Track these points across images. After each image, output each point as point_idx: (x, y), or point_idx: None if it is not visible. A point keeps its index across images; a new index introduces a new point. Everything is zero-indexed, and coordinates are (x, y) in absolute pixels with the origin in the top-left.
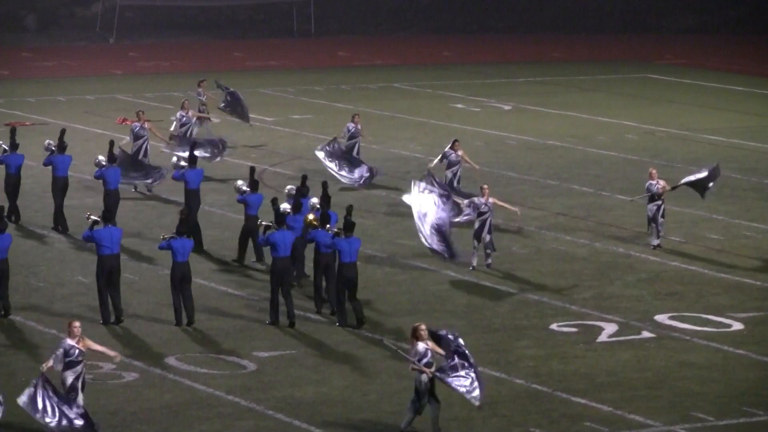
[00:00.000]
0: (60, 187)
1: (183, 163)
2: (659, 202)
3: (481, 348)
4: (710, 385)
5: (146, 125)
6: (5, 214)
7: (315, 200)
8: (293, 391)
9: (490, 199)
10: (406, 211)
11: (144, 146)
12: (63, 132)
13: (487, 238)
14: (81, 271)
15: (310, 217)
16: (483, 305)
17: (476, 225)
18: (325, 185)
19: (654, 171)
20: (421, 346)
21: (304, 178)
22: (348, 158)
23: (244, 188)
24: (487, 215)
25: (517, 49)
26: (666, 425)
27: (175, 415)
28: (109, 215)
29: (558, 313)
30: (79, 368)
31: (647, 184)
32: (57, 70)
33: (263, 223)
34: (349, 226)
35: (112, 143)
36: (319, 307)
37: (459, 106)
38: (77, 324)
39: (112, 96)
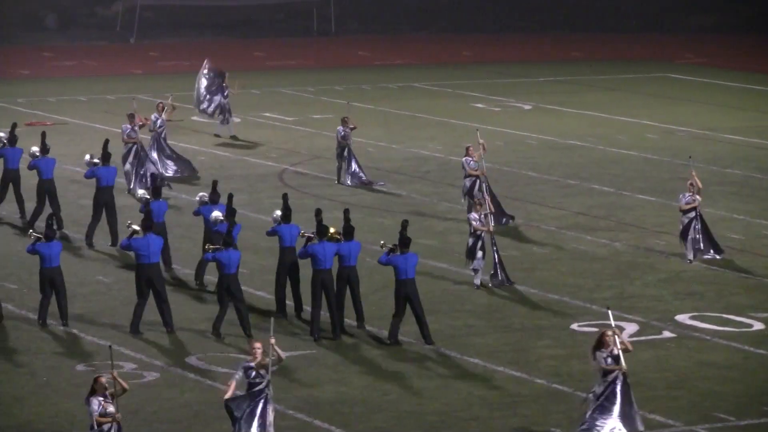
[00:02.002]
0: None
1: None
2: (691, 215)
3: (501, 348)
4: (731, 385)
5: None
6: (52, 222)
7: (218, 214)
8: (313, 390)
9: (482, 214)
10: (426, 211)
11: (134, 147)
12: (107, 142)
13: (479, 254)
14: (101, 270)
15: (332, 230)
16: (503, 305)
17: (469, 242)
18: (285, 197)
19: (691, 182)
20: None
21: (215, 184)
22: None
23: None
24: (481, 232)
25: (538, 48)
26: (686, 425)
27: (196, 415)
28: (148, 224)
29: (578, 312)
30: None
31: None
32: (77, 69)
33: (305, 234)
34: (405, 242)
35: (107, 142)
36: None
37: (479, 105)
38: (258, 345)
39: (133, 96)
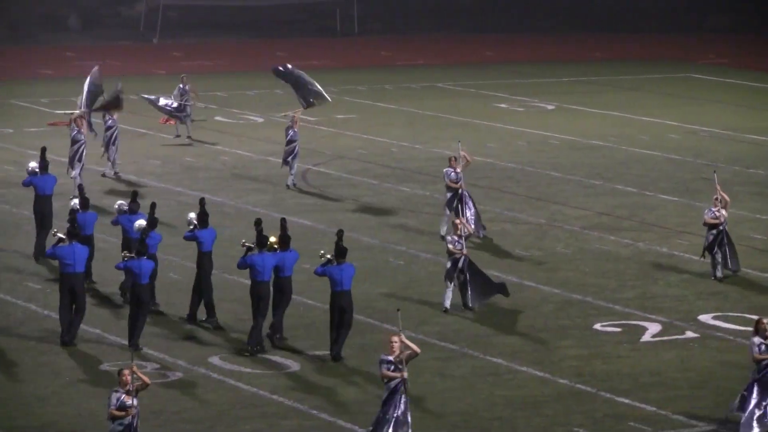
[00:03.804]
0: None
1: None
2: (715, 231)
3: (525, 348)
4: None
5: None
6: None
7: (142, 222)
8: (336, 390)
9: (463, 236)
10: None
11: (114, 135)
12: (44, 150)
13: (455, 277)
14: None
15: (272, 239)
16: (526, 305)
17: (448, 264)
18: (202, 202)
19: (717, 196)
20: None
21: (135, 194)
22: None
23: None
24: (459, 254)
25: (560, 48)
26: (709, 425)
27: (219, 415)
28: (74, 232)
29: (601, 312)
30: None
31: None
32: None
33: (245, 243)
34: (341, 253)
35: (44, 150)
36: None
37: (502, 105)
38: (395, 339)
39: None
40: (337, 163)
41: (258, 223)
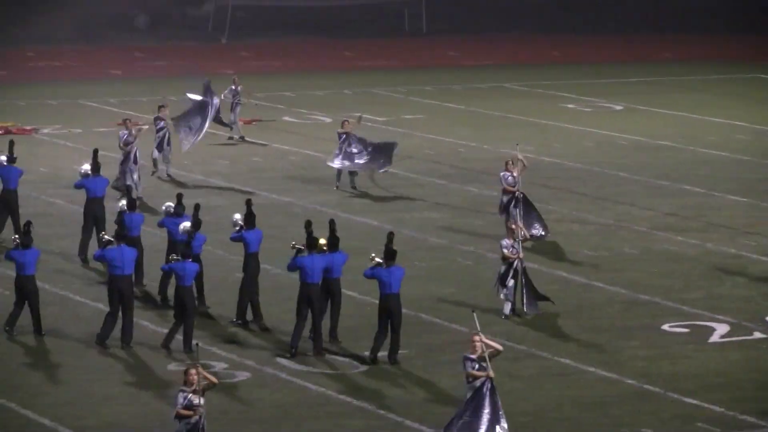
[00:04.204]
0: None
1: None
2: None
3: (592, 348)
4: None
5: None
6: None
7: (187, 224)
8: (404, 390)
9: (519, 241)
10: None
11: (167, 136)
12: (180, 196)
13: (510, 283)
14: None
15: (322, 241)
16: (593, 305)
17: (502, 269)
18: (248, 203)
19: None
20: None
21: (180, 196)
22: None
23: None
24: (513, 259)
25: (628, 48)
26: None
27: (286, 415)
28: (122, 234)
29: (669, 313)
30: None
31: None
32: (168, 69)
33: (295, 245)
34: (390, 255)
35: (96, 151)
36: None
37: (570, 106)
38: (477, 338)
39: (250, 93)
40: (404, 164)
41: (308, 224)
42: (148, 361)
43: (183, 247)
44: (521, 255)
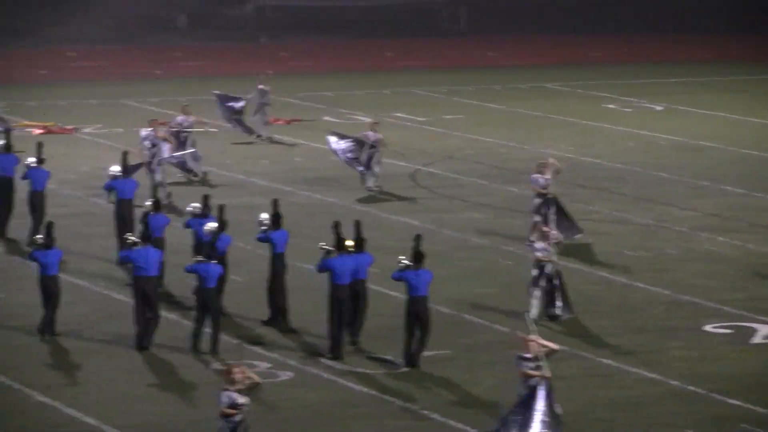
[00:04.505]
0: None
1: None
2: None
3: (634, 349)
4: None
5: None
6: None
7: (212, 224)
8: (448, 390)
9: (551, 244)
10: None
11: (162, 151)
12: (207, 197)
13: (542, 284)
14: (235, 270)
15: (349, 242)
16: (636, 306)
17: (534, 272)
18: (275, 203)
19: None
20: None
21: (206, 198)
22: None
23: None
24: (545, 262)
25: (668, 49)
26: None
27: (329, 414)
28: (147, 235)
29: (710, 314)
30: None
31: None
32: (208, 69)
33: (324, 246)
34: (418, 258)
35: (125, 153)
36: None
37: (610, 106)
38: (531, 337)
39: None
40: (445, 164)
41: (336, 225)
42: (192, 361)
43: (207, 248)
44: (554, 258)
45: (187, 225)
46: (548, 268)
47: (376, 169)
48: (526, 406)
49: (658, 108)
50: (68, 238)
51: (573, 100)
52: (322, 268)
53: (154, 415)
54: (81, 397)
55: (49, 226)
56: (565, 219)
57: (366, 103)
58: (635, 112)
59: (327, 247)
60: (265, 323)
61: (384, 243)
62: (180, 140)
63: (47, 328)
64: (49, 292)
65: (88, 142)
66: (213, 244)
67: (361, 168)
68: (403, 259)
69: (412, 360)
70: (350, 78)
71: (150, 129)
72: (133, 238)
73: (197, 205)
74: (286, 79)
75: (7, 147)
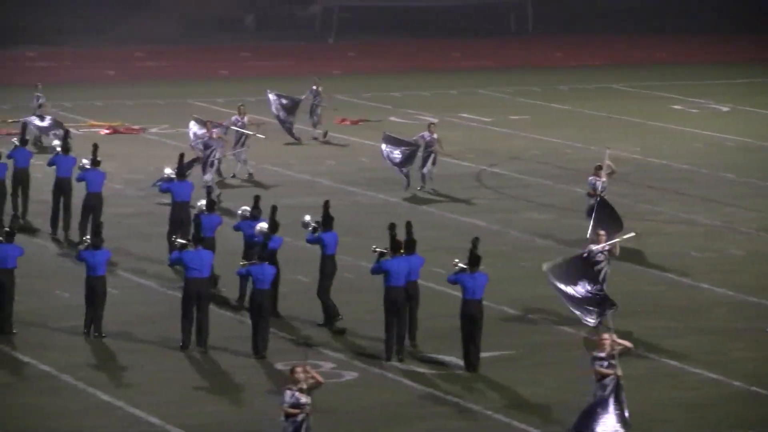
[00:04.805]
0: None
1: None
2: None
3: (698, 350)
4: None
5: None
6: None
7: (263, 225)
8: (511, 391)
9: (607, 245)
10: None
11: (244, 137)
12: (257, 198)
13: (602, 288)
14: (300, 270)
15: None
16: (700, 307)
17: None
18: (326, 204)
19: None
20: None
21: (257, 199)
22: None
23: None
24: (603, 264)
25: (735, 49)
26: None
27: (393, 415)
28: (199, 237)
29: None
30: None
31: None
32: (275, 69)
33: (377, 249)
34: (474, 261)
35: (182, 155)
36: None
37: (677, 107)
38: (606, 336)
39: (330, 96)
40: (511, 164)
41: (392, 227)
42: (256, 361)
43: (260, 249)
44: (616, 250)
45: (237, 228)
46: (603, 273)
47: (432, 169)
48: (600, 404)
49: (725, 109)
50: (131, 237)
51: (639, 100)
52: (378, 270)
53: (215, 415)
54: (143, 397)
55: (98, 227)
56: (613, 220)
57: (432, 103)
58: (702, 113)
59: (380, 249)
60: (321, 325)
61: (449, 243)
62: (234, 140)
63: (95, 328)
64: (95, 292)
65: (154, 142)
66: (265, 245)
67: (403, 171)
68: (459, 263)
69: (471, 362)
70: (416, 78)
71: (203, 129)
72: (181, 240)
73: (246, 208)
74: (352, 79)
75: (66, 149)
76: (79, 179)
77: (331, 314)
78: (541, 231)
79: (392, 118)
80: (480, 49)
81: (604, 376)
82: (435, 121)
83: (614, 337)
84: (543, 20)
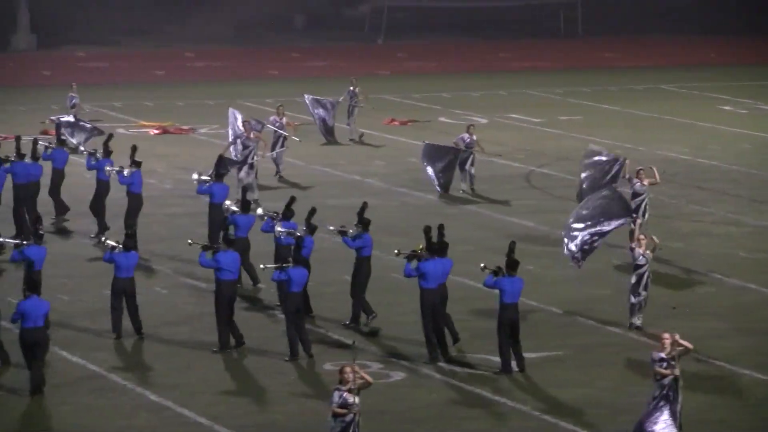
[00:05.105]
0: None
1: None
2: None
3: (746, 351)
4: None
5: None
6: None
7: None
8: (559, 392)
9: (648, 251)
10: (671, 213)
11: (282, 137)
12: (220, 158)
13: (643, 294)
14: (346, 270)
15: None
16: (748, 308)
17: (633, 279)
18: (364, 205)
19: None
20: None
21: (292, 200)
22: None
23: (234, 208)
24: (644, 269)
25: None
26: None
27: (441, 415)
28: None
29: None
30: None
31: None
32: (325, 70)
33: (402, 252)
34: (512, 265)
35: (220, 157)
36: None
37: (726, 108)
38: (666, 336)
39: (379, 96)
40: (560, 165)
41: (428, 230)
42: (304, 361)
43: (294, 251)
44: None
45: (266, 229)
46: (645, 277)
47: (471, 171)
48: (656, 405)
49: None
50: (180, 237)
51: (689, 101)
52: (412, 273)
53: (263, 415)
54: (191, 397)
55: (131, 228)
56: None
57: (481, 104)
58: (751, 114)
59: (405, 252)
60: (347, 325)
61: (497, 244)
62: (272, 140)
63: (135, 329)
64: (126, 294)
65: (204, 142)
66: (300, 246)
67: (440, 178)
68: (486, 267)
69: (518, 365)
70: (466, 79)
71: (241, 129)
72: (197, 243)
73: (228, 203)
74: (402, 79)
75: (107, 152)
76: (122, 182)
77: (358, 315)
78: None
79: (441, 119)
80: (530, 50)
81: (663, 376)
82: (474, 123)
83: (676, 337)
84: (592, 21)
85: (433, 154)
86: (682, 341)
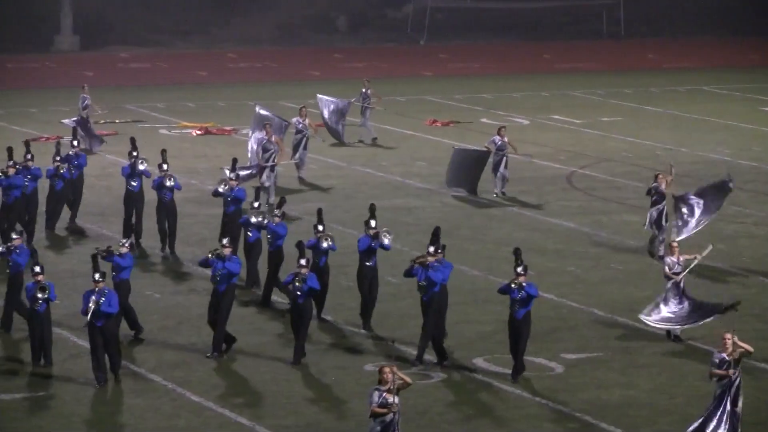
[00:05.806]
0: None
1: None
2: None
3: None
4: None
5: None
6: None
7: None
8: (600, 393)
9: (682, 257)
10: (717, 214)
11: (304, 139)
12: (235, 161)
13: (679, 302)
14: (389, 271)
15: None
16: None
17: (668, 285)
18: (372, 208)
19: None
20: None
21: (320, 211)
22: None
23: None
24: (681, 276)
25: None
26: None
27: (482, 416)
28: None
29: None
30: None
31: None
32: (367, 71)
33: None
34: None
35: (234, 160)
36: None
37: (767, 109)
38: (728, 336)
39: (422, 97)
40: (602, 166)
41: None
42: (345, 362)
43: (314, 255)
44: (680, 276)
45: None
46: (682, 282)
47: (505, 173)
48: (716, 404)
49: None
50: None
51: (731, 102)
52: (440, 277)
53: (303, 416)
54: (231, 398)
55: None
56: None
57: (523, 105)
58: None
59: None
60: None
61: (539, 245)
62: (293, 142)
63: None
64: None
65: (245, 143)
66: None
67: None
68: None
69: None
70: (508, 80)
71: (262, 131)
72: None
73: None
74: (444, 80)
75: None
76: (154, 187)
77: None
78: (631, 233)
79: (483, 120)
80: (572, 51)
81: (723, 377)
82: (505, 125)
83: (736, 338)
84: (635, 23)
85: (461, 159)
86: (741, 343)
